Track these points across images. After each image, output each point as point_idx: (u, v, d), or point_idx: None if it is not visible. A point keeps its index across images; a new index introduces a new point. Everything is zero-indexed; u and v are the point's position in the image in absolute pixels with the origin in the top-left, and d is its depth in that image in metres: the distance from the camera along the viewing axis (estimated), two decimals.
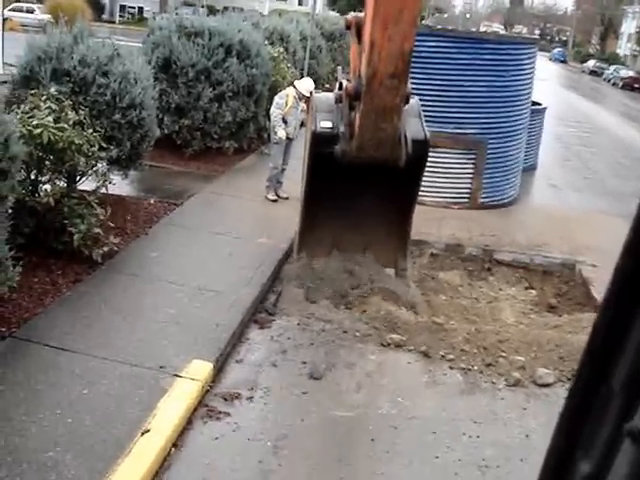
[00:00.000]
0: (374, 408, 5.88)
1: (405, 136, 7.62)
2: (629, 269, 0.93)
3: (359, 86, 7.25)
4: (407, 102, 7.48)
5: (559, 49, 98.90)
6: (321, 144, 7.88)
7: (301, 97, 10.66)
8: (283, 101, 10.63)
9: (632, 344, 0.92)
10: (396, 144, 7.59)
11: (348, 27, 7.96)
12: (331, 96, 8.18)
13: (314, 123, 7.97)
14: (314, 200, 8.18)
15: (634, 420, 0.88)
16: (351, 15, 8.03)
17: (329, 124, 7.88)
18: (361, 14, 7.59)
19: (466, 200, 12.00)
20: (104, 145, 8.01)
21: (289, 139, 10.81)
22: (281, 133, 10.58)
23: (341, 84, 7.82)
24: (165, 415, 5.23)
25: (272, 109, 10.79)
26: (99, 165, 8.42)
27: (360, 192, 8.21)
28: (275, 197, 10.85)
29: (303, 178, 8.45)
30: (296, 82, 10.97)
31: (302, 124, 11.00)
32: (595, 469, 0.95)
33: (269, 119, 13.69)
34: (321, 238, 8.54)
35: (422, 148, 7.88)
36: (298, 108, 10.73)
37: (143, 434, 4.96)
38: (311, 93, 10.10)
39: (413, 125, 7.85)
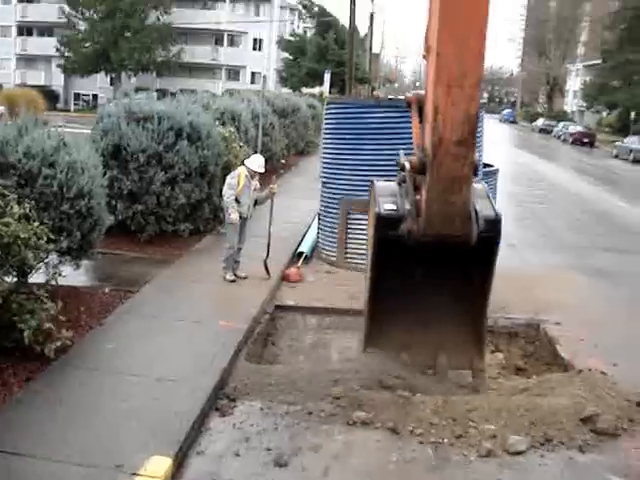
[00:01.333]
0: None
1: (476, 211, 7.23)
2: None
3: (424, 158, 7.02)
4: (476, 174, 7.18)
5: (508, 110, 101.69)
6: (385, 227, 7.42)
7: (253, 175, 10.63)
8: (235, 181, 10.55)
9: None
10: (466, 219, 7.17)
11: (409, 105, 7.76)
12: (393, 184, 7.77)
13: (377, 206, 7.53)
14: (380, 298, 7.71)
15: None
16: (411, 93, 7.86)
17: (393, 206, 7.45)
18: (421, 92, 7.40)
19: None
20: (52, 237, 7.84)
21: (243, 219, 10.71)
22: (234, 215, 10.48)
23: (403, 166, 7.38)
24: None
25: (224, 190, 10.69)
26: (49, 257, 8.24)
27: (431, 284, 7.71)
28: (233, 277, 10.69)
29: (367, 266, 7.99)
30: (246, 161, 10.95)
31: (255, 203, 10.95)
32: None
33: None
34: (389, 336, 7.96)
35: (494, 227, 7.45)
36: (250, 187, 10.67)
37: None
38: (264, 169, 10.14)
39: (482, 203, 7.44)
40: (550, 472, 6.14)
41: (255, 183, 10.75)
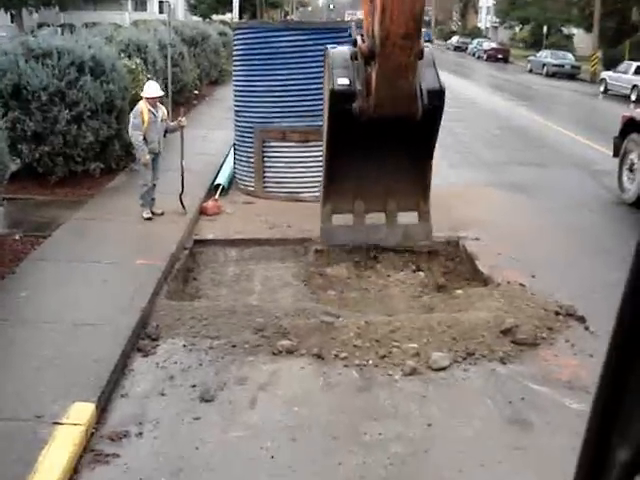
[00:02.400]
0: (271, 422, 5.64)
1: (421, 89, 7.96)
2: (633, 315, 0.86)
3: (373, 46, 7.49)
4: (421, 57, 7.73)
5: (423, 30, 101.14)
6: (339, 101, 8.10)
7: (154, 104, 10.17)
8: (138, 120, 10.02)
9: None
10: (412, 99, 7.88)
11: None
12: (346, 51, 8.34)
13: (331, 80, 8.16)
14: (335, 155, 8.49)
15: None
16: None
17: (346, 81, 8.11)
18: None
19: None
20: None
21: (155, 154, 10.35)
22: (144, 157, 10.08)
23: (355, 41, 8.03)
24: (48, 468, 4.83)
25: (130, 131, 10.22)
26: None
27: (380, 144, 8.45)
28: (150, 215, 10.37)
29: (324, 134, 8.76)
30: (142, 93, 10.45)
31: (165, 133, 10.57)
32: (634, 455, 0.88)
33: None
34: (344, 190, 8.89)
35: (438, 98, 8.23)
36: (157, 119, 10.21)
37: None
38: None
39: (428, 76, 8.17)
40: (473, 385, 6.27)
41: (161, 112, 10.31)
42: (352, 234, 9.37)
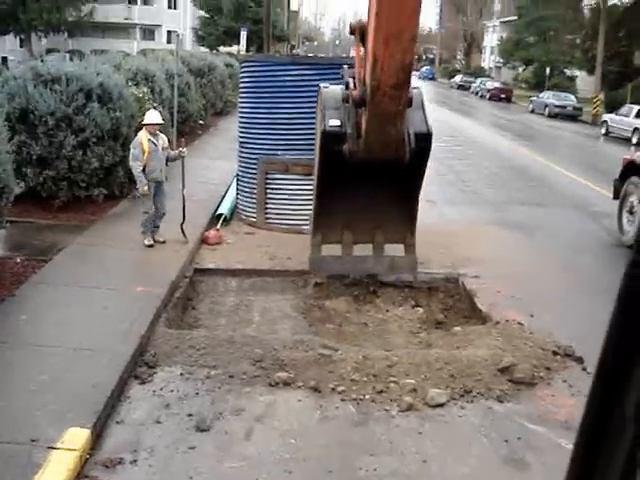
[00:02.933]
0: (266, 454, 5.62)
1: (409, 134, 8.29)
2: (630, 293, 0.89)
3: (364, 94, 7.83)
4: (410, 105, 8.11)
5: (427, 67, 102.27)
6: (330, 142, 8.41)
7: (154, 132, 10.24)
8: (138, 151, 10.11)
9: None
10: (400, 144, 8.22)
11: (352, 32, 8.39)
12: (338, 91, 8.70)
13: (323, 121, 8.50)
14: (326, 189, 8.79)
15: None
16: (355, 20, 8.50)
17: (337, 122, 8.45)
18: (364, 19, 8.03)
19: None
20: None
21: (158, 182, 10.42)
22: (143, 188, 10.16)
23: (347, 84, 8.41)
24: None
25: (130, 162, 10.31)
26: None
27: (369, 180, 8.67)
28: (151, 242, 10.41)
29: (315, 168, 9.18)
30: (143, 122, 10.53)
31: (167, 161, 10.61)
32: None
33: None
34: (333, 222, 9.17)
35: (425, 141, 8.60)
36: (158, 148, 10.27)
37: None
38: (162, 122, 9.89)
39: (416, 118, 8.50)
40: (469, 422, 6.26)
41: (162, 141, 10.37)
42: (340, 264, 9.56)
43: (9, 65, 39.74)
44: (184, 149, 10.87)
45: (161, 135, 10.44)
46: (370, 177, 8.76)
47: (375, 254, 9.59)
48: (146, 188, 10.13)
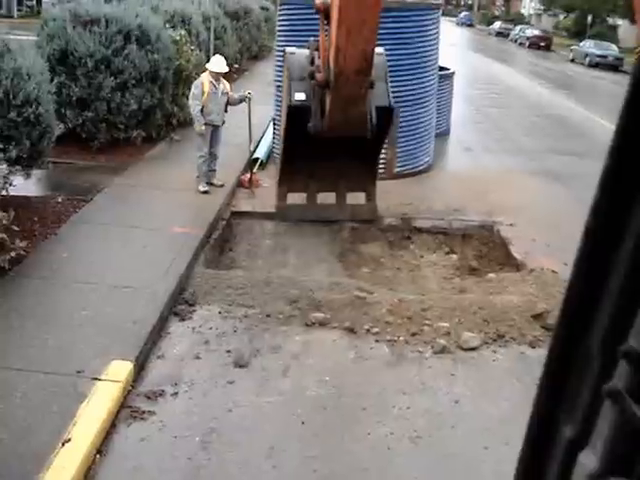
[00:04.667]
0: (302, 390, 5.79)
1: (371, 113, 8.49)
2: (598, 226, 0.93)
3: (328, 78, 8.11)
4: (372, 87, 8.34)
5: (465, 13, 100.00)
6: (296, 114, 8.67)
7: (216, 78, 10.28)
8: (199, 90, 10.19)
9: (607, 302, 0.89)
10: (363, 123, 8.45)
11: (317, 11, 8.49)
12: (304, 61, 8.89)
13: (289, 94, 8.80)
14: (292, 145, 9.03)
15: (613, 380, 0.86)
16: (319, 0, 8.50)
17: (303, 96, 8.71)
18: None
19: (381, 170, 11.96)
20: (1, 146, 7.63)
21: (214, 126, 10.45)
22: (199, 127, 10.22)
23: (313, 59, 8.69)
24: (86, 421, 5.02)
25: (189, 101, 10.42)
26: None
27: (333, 141, 8.79)
28: (206, 188, 10.44)
29: (282, 126, 9.45)
30: (208, 65, 10.60)
31: (227, 106, 10.66)
32: (578, 432, 0.93)
33: (177, 105, 13.36)
34: (298, 172, 9.42)
35: (386, 114, 8.85)
36: (218, 92, 10.30)
37: (64, 444, 4.75)
38: (232, 67, 9.96)
39: (378, 90, 8.64)
40: (502, 366, 6.35)
41: (223, 86, 10.39)
42: (304, 212, 9.81)
43: (43, 7, 39.66)
44: (250, 92, 10.92)
45: (223, 80, 10.47)
46: (334, 140, 8.89)
47: (337, 202, 9.87)
48: (203, 128, 10.21)
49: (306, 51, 9.04)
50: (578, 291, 0.94)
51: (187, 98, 10.92)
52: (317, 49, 8.70)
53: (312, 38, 8.98)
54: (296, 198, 9.97)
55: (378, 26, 7.80)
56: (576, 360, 0.94)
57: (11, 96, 8.41)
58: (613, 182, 0.90)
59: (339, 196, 9.83)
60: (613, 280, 0.89)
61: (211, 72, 10.29)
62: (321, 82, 8.32)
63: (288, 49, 9.45)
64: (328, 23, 8.17)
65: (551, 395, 0.98)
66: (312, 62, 8.75)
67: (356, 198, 9.99)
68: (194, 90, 10.31)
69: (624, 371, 0.84)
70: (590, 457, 0.89)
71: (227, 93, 10.47)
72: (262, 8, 30.59)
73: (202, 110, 10.19)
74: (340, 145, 8.88)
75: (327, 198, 9.99)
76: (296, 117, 8.67)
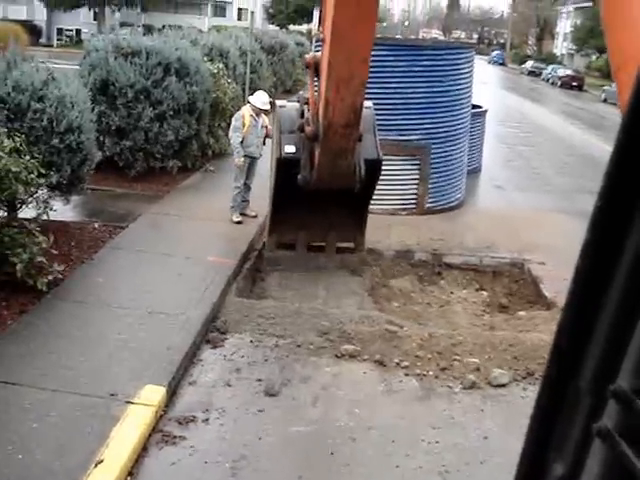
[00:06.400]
0: (332, 421, 5.84)
1: (359, 166, 8.60)
2: (588, 268, 0.93)
3: (317, 131, 8.27)
4: (360, 140, 8.47)
5: (497, 52, 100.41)
6: (286, 166, 8.79)
7: (258, 113, 10.46)
8: (239, 122, 10.39)
9: (596, 343, 0.91)
10: (351, 176, 8.58)
11: (307, 67, 8.74)
12: (294, 114, 9.02)
13: (278, 147, 8.90)
14: (282, 196, 9.10)
15: (602, 420, 0.88)
16: (309, 56, 8.83)
17: (292, 149, 8.81)
18: (318, 54, 8.39)
19: (413, 206, 12.07)
20: (43, 171, 7.83)
21: (253, 158, 10.63)
22: (238, 160, 10.40)
23: (303, 112, 8.83)
24: (119, 444, 5.10)
25: (230, 133, 10.62)
26: (39, 192, 8.26)
27: (323, 193, 8.86)
28: (239, 218, 10.61)
29: (271, 179, 9.45)
30: (250, 98, 10.81)
31: (265, 139, 10.78)
32: (568, 470, 0.95)
33: (213, 136, 13.59)
34: (288, 223, 9.39)
35: (375, 166, 8.87)
36: (258, 125, 10.49)
37: (97, 465, 4.83)
38: (270, 105, 10.12)
39: (367, 142, 8.74)
40: (531, 404, 6.28)
41: (262, 119, 10.58)
42: (293, 262, 9.68)
43: (82, 37, 40.61)
44: None
45: (263, 115, 10.64)
46: (324, 191, 8.95)
47: (327, 252, 9.82)
48: (242, 160, 10.38)
49: (296, 104, 9.25)
50: (568, 331, 0.96)
51: (222, 130, 11.11)
52: (307, 103, 8.85)
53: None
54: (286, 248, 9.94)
55: (366, 81, 7.96)
56: (566, 399, 0.95)
57: (54, 123, 8.67)
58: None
59: (329, 247, 9.82)
60: (603, 321, 0.91)
61: (254, 106, 10.46)
62: (310, 135, 8.46)
63: (279, 102, 9.69)
64: (318, 78, 8.36)
65: (542, 433, 0.99)
66: (302, 115, 8.90)
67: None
68: (235, 122, 10.49)
69: (613, 410, 0.86)
70: None
71: (266, 127, 10.64)
72: (297, 44, 31.07)
73: (241, 142, 10.36)
74: (329, 197, 8.94)
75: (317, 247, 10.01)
76: (286, 169, 8.80)
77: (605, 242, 0.92)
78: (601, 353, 0.91)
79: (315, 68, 8.35)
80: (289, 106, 9.37)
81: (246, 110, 10.53)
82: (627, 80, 3.13)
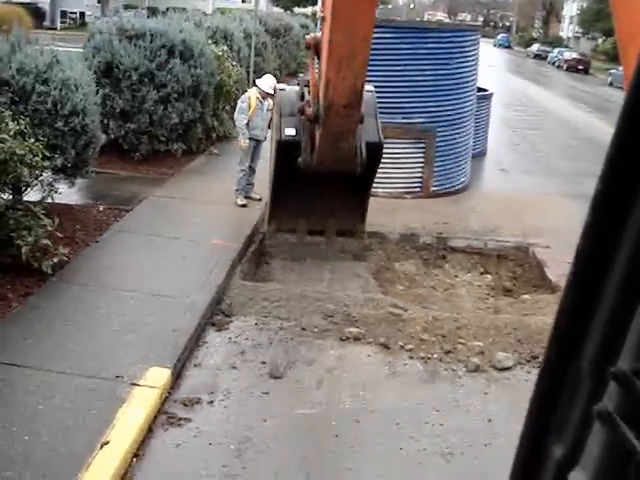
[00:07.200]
0: (336, 403, 5.86)
1: (360, 149, 8.49)
2: (589, 250, 0.94)
3: (318, 112, 8.18)
4: (361, 122, 8.36)
5: (503, 35, 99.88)
6: (286, 150, 8.72)
7: (264, 96, 10.41)
8: (245, 104, 10.34)
9: (597, 324, 0.92)
10: (352, 158, 8.47)
11: (308, 47, 8.68)
12: (294, 98, 8.95)
13: (279, 129, 8.82)
14: (281, 183, 9.01)
15: (603, 401, 0.88)
16: (310, 36, 8.75)
17: (293, 132, 8.72)
18: (318, 34, 8.35)
19: (418, 189, 12.04)
20: (48, 154, 7.83)
21: (258, 141, 10.60)
22: (244, 142, 10.35)
23: (303, 94, 8.76)
24: (124, 425, 5.13)
25: (235, 115, 10.58)
26: (44, 175, 8.26)
27: (323, 176, 8.79)
28: (244, 202, 10.60)
29: (271, 165, 9.36)
30: (257, 81, 10.76)
31: (270, 122, 10.73)
32: (568, 452, 0.95)
33: (217, 119, 13.56)
34: (288, 211, 9.33)
35: (376, 150, 8.76)
36: (263, 108, 10.44)
37: (102, 446, 4.86)
38: (275, 90, 10.06)
39: (368, 126, 8.64)
40: None
41: (268, 103, 10.54)
42: (294, 249, 9.64)
43: (86, 20, 40.48)
44: None
45: (269, 99, 10.59)
46: (324, 175, 8.90)
47: (327, 240, 9.77)
48: (247, 142, 10.36)
49: (296, 88, 9.18)
50: (569, 313, 0.96)
51: (227, 113, 11.07)
52: (307, 85, 8.78)
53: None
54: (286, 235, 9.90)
55: (368, 60, 7.87)
56: (567, 381, 0.96)
57: (59, 106, 8.65)
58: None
59: (328, 234, 9.77)
60: (603, 302, 0.91)
61: (261, 89, 10.43)
62: (310, 116, 8.37)
63: (279, 86, 9.63)
64: (318, 58, 8.29)
65: (542, 415, 1.00)
66: (302, 98, 8.83)
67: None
68: (241, 104, 10.47)
69: (614, 392, 0.86)
70: (580, 477, 0.91)
71: (271, 110, 10.60)
72: (302, 26, 30.92)
73: (247, 124, 10.34)
74: (330, 182, 8.88)
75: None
76: (286, 152, 8.74)
77: (606, 224, 0.92)
78: (602, 335, 0.91)
79: (316, 49, 8.29)
80: (289, 90, 9.33)
81: (253, 93, 10.51)
82: (636, 53, 3.11)
